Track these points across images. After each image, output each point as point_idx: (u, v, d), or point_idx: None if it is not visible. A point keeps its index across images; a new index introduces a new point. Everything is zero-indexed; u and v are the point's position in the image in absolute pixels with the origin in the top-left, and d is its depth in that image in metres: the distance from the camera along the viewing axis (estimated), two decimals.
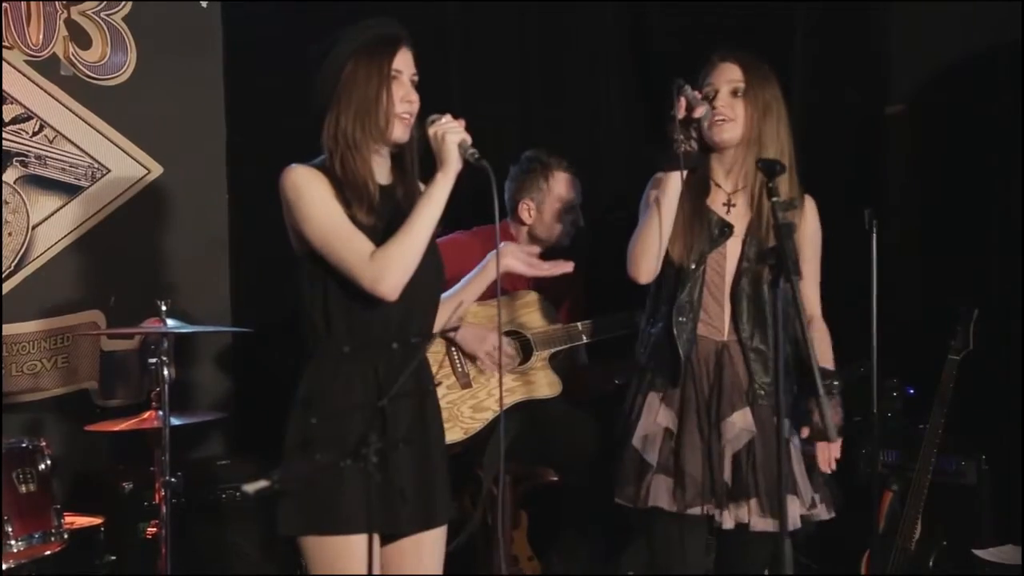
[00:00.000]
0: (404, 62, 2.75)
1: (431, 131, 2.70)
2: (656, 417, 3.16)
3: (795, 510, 3.14)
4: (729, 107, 3.15)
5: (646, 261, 3.14)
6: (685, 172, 3.08)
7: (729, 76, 3.17)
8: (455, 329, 2.70)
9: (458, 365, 3.87)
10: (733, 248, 3.19)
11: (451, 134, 2.67)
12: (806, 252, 3.20)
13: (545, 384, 3.95)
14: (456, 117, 2.72)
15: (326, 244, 2.67)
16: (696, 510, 3.10)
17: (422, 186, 2.80)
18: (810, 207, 3.26)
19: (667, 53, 4.80)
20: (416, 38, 2.80)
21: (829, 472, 3.21)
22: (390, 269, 2.64)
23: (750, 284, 3.17)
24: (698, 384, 3.16)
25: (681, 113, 3.06)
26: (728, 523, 3.11)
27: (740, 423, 3.13)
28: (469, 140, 2.69)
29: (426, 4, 4.55)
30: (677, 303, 3.15)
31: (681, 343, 3.13)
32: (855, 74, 4.54)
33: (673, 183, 3.10)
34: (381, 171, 2.79)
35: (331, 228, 2.67)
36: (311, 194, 2.68)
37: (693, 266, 3.15)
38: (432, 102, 2.80)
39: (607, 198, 4.65)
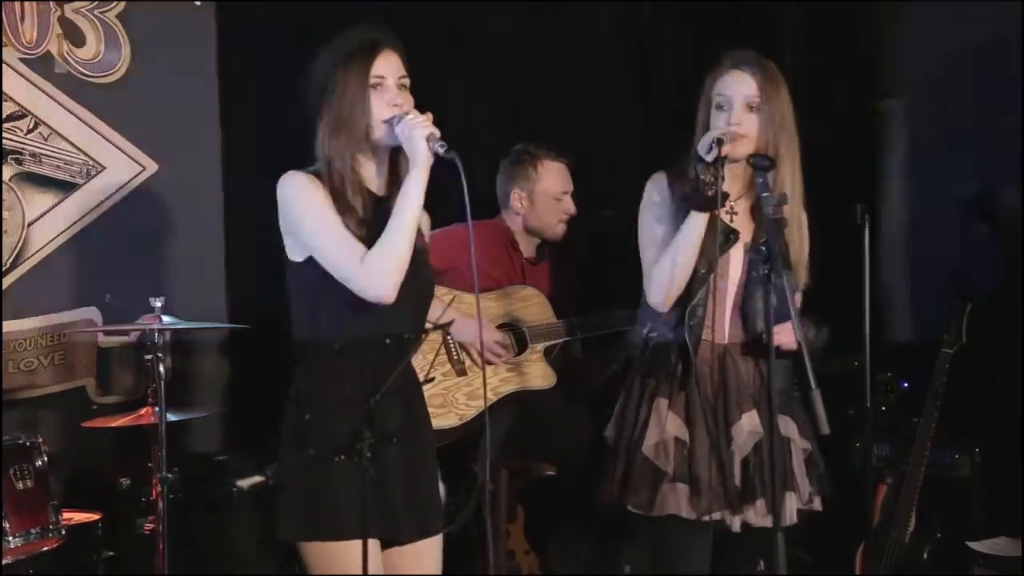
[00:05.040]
0: (387, 67, 2.73)
1: (397, 129, 2.68)
2: (666, 424, 3.16)
3: (793, 505, 3.16)
4: (743, 124, 3.10)
5: (673, 295, 3.15)
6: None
7: (745, 91, 3.11)
8: (449, 324, 2.71)
9: (454, 353, 3.90)
10: (736, 254, 3.21)
11: (417, 129, 2.65)
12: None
13: (539, 376, 3.99)
14: (423, 111, 2.71)
15: (319, 249, 2.69)
16: (713, 516, 3.11)
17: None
18: (804, 219, 3.25)
19: (658, 51, 4.81)
20: (407, 39, 2.80)
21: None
22: (380, 274, 2.65)
23: (757, 289, 3.17)
24: (703, 389, 3.17)
25: (712, 156, 3.04)
26: (736, 526, 3.13)
27: (748, 426, 3.15)
28: (438, 133, 2.67)
29: (417, 4, 4.54)
30: (690, 308, 3.15)
31: (692, 345, 3.15)
32: (846, 69, 4.56)
33: (701, 223, 3.09)
34: (377, 181, 2.79)
35: (323, 233, 2.69)
36: (305, 200, 2.70)
37: (703, 271, 3.15)
38: (426, 104, 2.80)
39: (600, 196, 4.66)
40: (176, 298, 4.37)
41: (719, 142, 3.03)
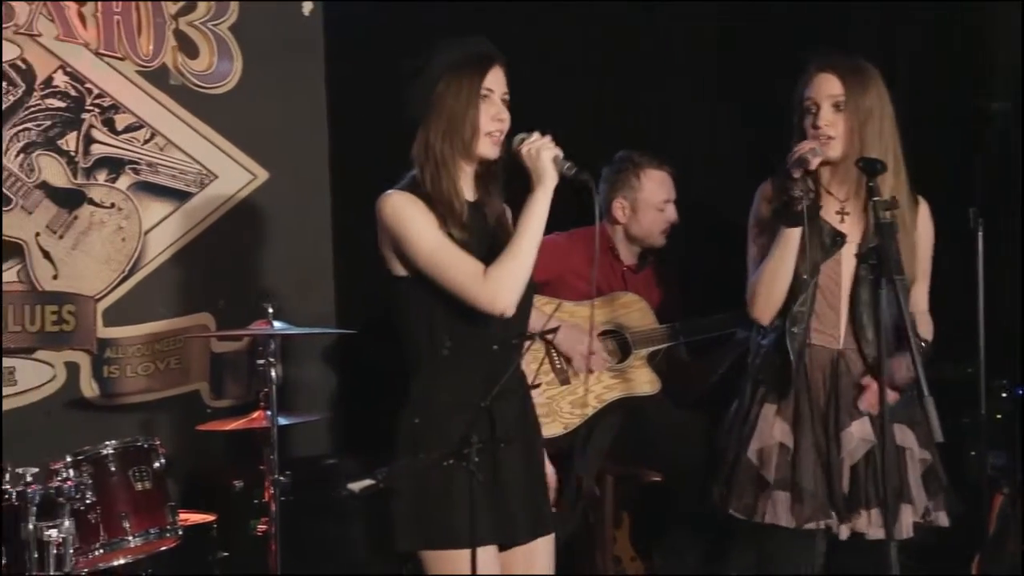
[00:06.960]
0: (496, 81, 2.80)
1: (524, 149, 2.75)
2: (772, 430, 3.15)
3: (908, 518, 3.11)
4: (832, 125, 3.11)
5: (771, 308, 3.16)
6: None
7: (829, 90, 3.13)
8: (555, 330, 2.74)
9: (557, 362, 3.91)
10: (848, 256, 3.17)
11: (545, 150, 2.73)
12: (918, 253, 3.17)
13: (644, 382, 3.98)
14: (544, 133, 2.77)
15: (434, 267, 2.74)
16: (813, 525, 3.09)
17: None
18: (923, 209, 3.22)
19: (751, 52, 4.75)
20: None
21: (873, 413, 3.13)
22: (505, 288, 2.71)
23: (868, 292, 3.13)
24: (813, 395, 3.15)
25: (798, 173, 3.04)
26: (844, 534, 3.10)
27: (858, 434, 3.12)
28: (562, 154, 2.74)
29: (495, 12, 4.51)
30: (790, 314, 3.14)
31: (793, 352, 3.12)
32: (959, 71, 4.47)
33: (792, 239, 3.09)
34: (467, 188, 2.84)
35: (437, 251, 2.73)
36: (409, 219, 2.74)
37: (806, 276, 3.13)
38: (520, 110, 2.84)
39: (697, 199, 4.62)
40: (287, 303, 4.46)
41: (803, 160, 3.02)
